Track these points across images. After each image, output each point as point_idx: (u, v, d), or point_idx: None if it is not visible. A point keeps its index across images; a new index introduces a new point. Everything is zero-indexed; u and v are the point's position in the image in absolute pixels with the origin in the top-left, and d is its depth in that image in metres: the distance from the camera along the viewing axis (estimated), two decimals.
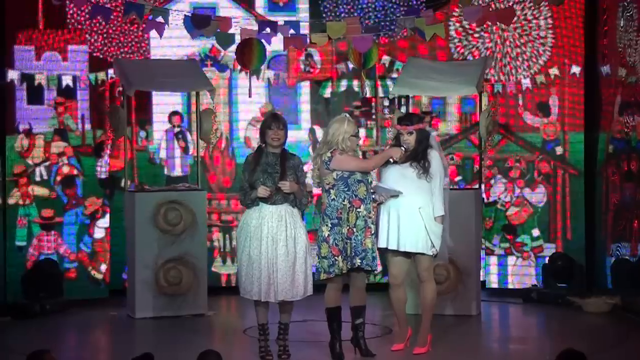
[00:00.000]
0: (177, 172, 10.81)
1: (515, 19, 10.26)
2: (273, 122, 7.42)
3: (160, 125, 10.78)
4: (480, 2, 10.35)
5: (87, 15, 10.13)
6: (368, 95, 10.87)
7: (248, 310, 8.28)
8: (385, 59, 10.78)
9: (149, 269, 9.28)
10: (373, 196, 7.49)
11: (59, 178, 10.24)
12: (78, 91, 10.34)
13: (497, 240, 10.62)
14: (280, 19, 9.87)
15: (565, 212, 10.58)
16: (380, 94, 10.88)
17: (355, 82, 10.88)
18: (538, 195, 10.60)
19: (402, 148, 7.58)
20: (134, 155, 10.59)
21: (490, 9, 9.80)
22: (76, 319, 9.47)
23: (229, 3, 10.81)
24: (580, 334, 8.60)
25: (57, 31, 10.30)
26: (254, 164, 7.39)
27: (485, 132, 9.43)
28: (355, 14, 10.58)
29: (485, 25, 10.39)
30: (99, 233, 10.39)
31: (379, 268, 7.96)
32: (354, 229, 7.34)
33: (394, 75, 10.67)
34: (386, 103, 10.93)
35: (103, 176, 10.50)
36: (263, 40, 9.37)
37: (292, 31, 9.31)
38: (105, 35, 10.56)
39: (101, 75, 10.39)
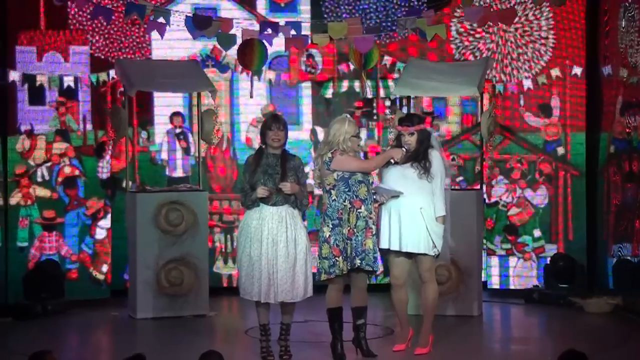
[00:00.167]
0: (179, 172, 10.81)
1: (517, 19, 10.26)
2: (273, 123, 7.41)
3: (161, 126, 10.78)
4: (482, 2, 10.35)
5: (88, 16, 10.13)
6: (369, 95, 10.87)
7: (249, 310, 8.28)
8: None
9: (151, 270, 9.28)
10: (374, 197, 7.49)
11: (60, 179, 10.25)
12: (79, 92, 10.34)
13: (499, 241, 10.61)
14: (281, 19, 9.87)
15: (567, 213, 10.57)
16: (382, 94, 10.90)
17: (357, 84, 10.88)
18: (539, 196, 10.60)
19: (403, 149, 7.58)
20: (136, 155, 10.59)
21: (492, 10, 9.79)
22: (78, 320, 9.47)
23: (231, 4, 10.81)
24: (581, 334, 8.60)
25: (59, 32, 10.30)
26: (254, 165, 7.39)
27: (487, 133, 9.43)
28: (356, 15, 10.57)
29: (488, 28, 10.40)
30: (100, 234, 10.39)
31: (381, 269, 7.96)
32: (355, 230, 7.33)
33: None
34: (387, 103, 10.94)
35: (104, 177, 10.50)
36: (264, 41, 9.37)
37: (293, 32, 9.31)
38: (106, 36, 10.56)
39: (103, 75, 10.39)
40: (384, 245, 7.56)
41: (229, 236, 10.82)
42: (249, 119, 10.91)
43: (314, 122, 10.95)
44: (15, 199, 10.10)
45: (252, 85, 9.84)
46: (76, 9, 10.27)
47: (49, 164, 10.23)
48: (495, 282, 10.67)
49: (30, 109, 10.22)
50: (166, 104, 10.77)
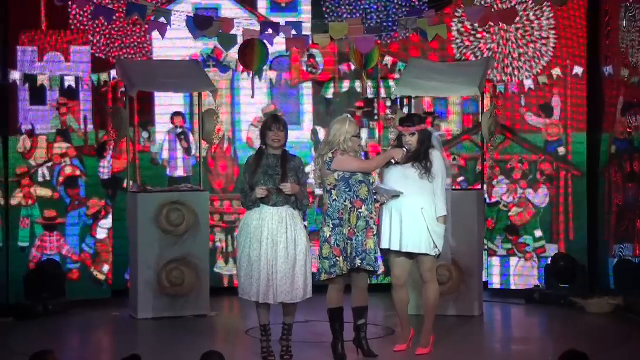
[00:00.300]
0: (180, 172, 10.82)
1: (518, 19, 10.26)
2: (273, 123, 7.41)
3: (162, 126, 10.79)
4: (483, 2, 10.35)
5: (89, 16, 10.13)
6: (370, 95, 10.87)
7: (250, 311, 8.28)
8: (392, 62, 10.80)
9: (152, 270, 9.28)
10: (375, 197, 7.49)
11: (61, 179, 10.25)
12: (81, 92, 10.34)
13: (500, 242, 10.61)
14: (282, 19, 9.87)
15: (568, 213, 10.57)
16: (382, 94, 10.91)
17: (357, 84, 10.88)
18: (540, 196, 10.59)
19: (404, 149, 7.58)
20: (137, 156, 10.60)
21: (493, 10, 9.79)
22: (79, 320, 9.48)
23: (231, 4, 10.81)
24: (582, 334, 8.60)
25: (60, 32, 10.30)
26: (254, 166, 7.38)
27: (488, 133, 9.43)
28: (357, 15, 10.57)
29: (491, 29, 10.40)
30: (101, 234, 10.40)
31: (382, 269, 7.96)
32: (355, 230, 7.33)
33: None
34: (389, 104, 10.94)
35: (106, 177, 10.51)
36: (265, 41, 9.37)
37: (294, 32, 9.31)
38: (107, 36, 10.56)
39: (104, 76, 10.40)
40: (384, 245, 7.56)
41: (229, 236, 10.82)
42: (250, 118, 10.91)
43: (314, 122, 10.95)
44: (16, 199, 10.10)
45: (253, 85, 9.84)
46: (77, 9, 10.27)
47: (50, 164, 10.23)
48: (496, 282, 10.66)
49: (31, 109, 10.23)
50: (167, 103, 10.77)
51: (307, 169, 7.73)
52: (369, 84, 10.74)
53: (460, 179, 10.73)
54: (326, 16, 10.69)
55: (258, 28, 9.37)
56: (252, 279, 7.28)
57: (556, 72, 10.51)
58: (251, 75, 10.00)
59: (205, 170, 10.49)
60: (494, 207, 10.61)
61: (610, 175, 10.02)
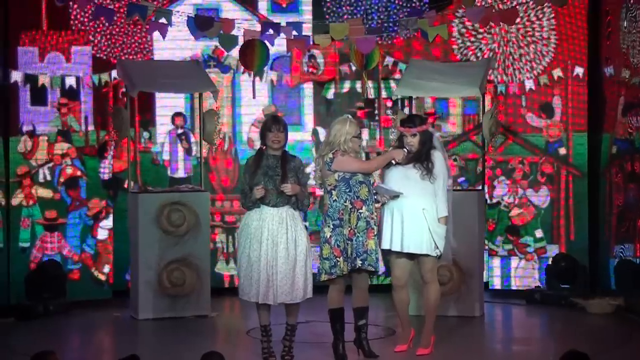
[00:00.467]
0: (180, 173, 10.82)
1: (519, 19, 10.25)
2: (273, 124, 7.40)
3: (163, 126, 10.79)
4: (484, 3, 10.35)
5: (90, 17, 10.13)
6: (370, 96, 10.87)
7: (251, 311, 8.28)
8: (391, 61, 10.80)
9: (152, 270, 9.28)
10: (375, 197, 7.50)
11: (62, 179, 10.25)
12: (81, 92, 10.35)
13: (500, 242, 10.61)
14: (283, 20, 9.87)
15: (569, 213, 10.56)
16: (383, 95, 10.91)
17: (358, 84, 10.87)
18: (541, 197, 10.59)
19: (405, 150, 7.58)
20: (137, 156, 10.59)
21: (494, 10, 9.79)
22: (79, 320, 9.48)
23: (232, 4, 10.81)
24: (583, 335, 8.60)
25: (61, 32, 10.31)
26: (254, 167, 7.38)
27: (489, 134, 9.42)
28: (358, 16, 10.57)
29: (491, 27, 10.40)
30: (102, 234, 10.40)
31: (382, 269, 7.96)
32: (355, 230, 7.33)
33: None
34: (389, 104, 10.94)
35: (106, 177, 10.51)
36: (266, 42, 9.37)
37: (295, 32, 9.31)
38: (108, 37, 10.56)
39: (104, 76, 10.40)
40: (385, 245, 7.56)
41: (230, 237, 10.82)
42: (250, 119, 10.91)
43: (315, 123, 10.94)
44: (17, 199, 10.10)
45: (254, 86, 9.83)
46: (78, 10, 10.27)
47: (50, 165, 10.23)
48: (496, 283, 10.66)
49: (32, 110, 10.23)
50: (168, 104, 10.77)
51: (307, 169, 7.72)
52: (369, 84, 10.73)
53: (461, 179, 10.72)
54: (327, 17, 10.68)
55: (259, 29, 9.37)
56: (252, 280, 7.28)
57: (557, 72, 10.50)
58: (252, 75, 9.99)
59: (206, 170, 10.47)
60: (495, 208, 10.60)
61: (611, 175, 10.01)
